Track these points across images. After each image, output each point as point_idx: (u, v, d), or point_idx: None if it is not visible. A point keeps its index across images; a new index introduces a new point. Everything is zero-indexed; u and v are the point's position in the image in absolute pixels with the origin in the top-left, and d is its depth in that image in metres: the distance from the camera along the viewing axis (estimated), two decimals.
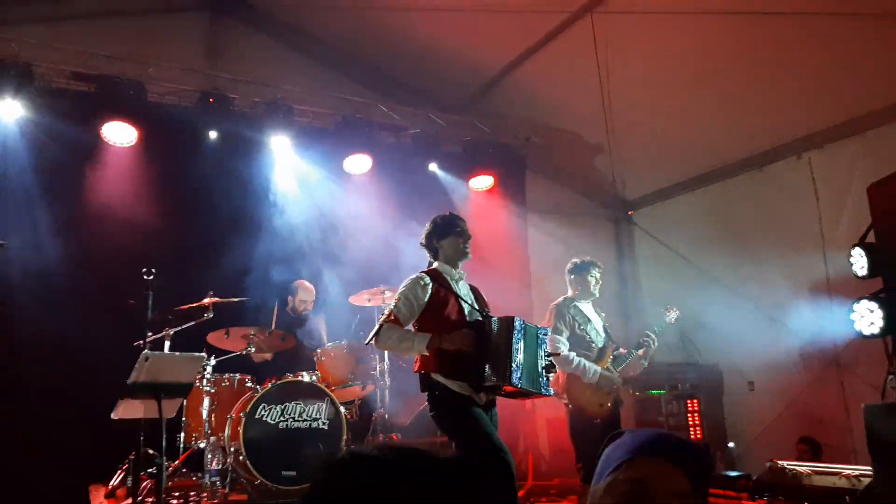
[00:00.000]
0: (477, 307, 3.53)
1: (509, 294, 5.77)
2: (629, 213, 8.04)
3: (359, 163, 6.44)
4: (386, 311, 3.43)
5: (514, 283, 6.43)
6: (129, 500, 4.12)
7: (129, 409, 2.84)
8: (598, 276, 4.56)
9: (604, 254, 6.44)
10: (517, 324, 3.33)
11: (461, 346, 3.26)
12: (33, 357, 4.94)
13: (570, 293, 4.55)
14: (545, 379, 3.45)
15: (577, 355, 4.30)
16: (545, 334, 3.54)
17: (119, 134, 5.58)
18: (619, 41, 5.60)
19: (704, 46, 5.52)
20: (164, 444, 2.82)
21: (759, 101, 5.73)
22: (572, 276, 4.57)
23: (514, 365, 3.25)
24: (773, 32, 5.07)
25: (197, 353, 2.87)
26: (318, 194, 6.25)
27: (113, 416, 2.99)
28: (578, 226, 7.52)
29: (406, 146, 6.81)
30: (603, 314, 4.63)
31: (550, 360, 3.50)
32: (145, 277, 3.88)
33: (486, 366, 3.27)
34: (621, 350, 4.45)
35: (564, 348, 4.27)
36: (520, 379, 3.27)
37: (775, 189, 6.13)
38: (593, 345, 4.40)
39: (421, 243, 3.63)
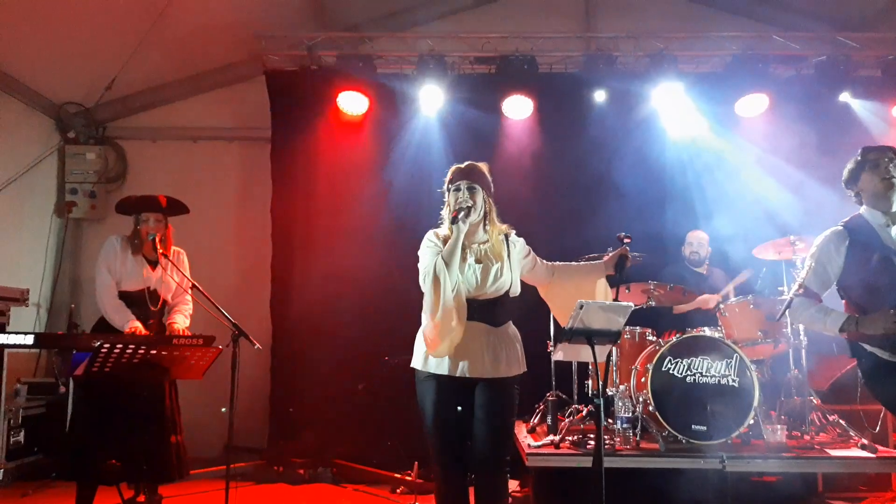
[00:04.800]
0: None
1: None
2: None
3: (754, 103, 5.94)
4: (797, 281, 3.10)
5: None
6: (550, 437, 4.59)
7: (566, 353, 3.11)
8: None
9: None
10: None
11: (883, 332, 2.79)
12: None
13: None
14: None
15: None
16: None
17: (517, 108, 6.06)
18: None
19: None
20: (599, 387, 3.00)
21: None
22: None
23: None
24: None
25: (625, 303, 2.97)
26: (712, 142, 5.93)
27: (554, 357, 3.31)
28: None
29: (808, 78, 6.02)
30: None
31: None
32: None
33: None
34: None
35: None
36: None
37: None
38: None
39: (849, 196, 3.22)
